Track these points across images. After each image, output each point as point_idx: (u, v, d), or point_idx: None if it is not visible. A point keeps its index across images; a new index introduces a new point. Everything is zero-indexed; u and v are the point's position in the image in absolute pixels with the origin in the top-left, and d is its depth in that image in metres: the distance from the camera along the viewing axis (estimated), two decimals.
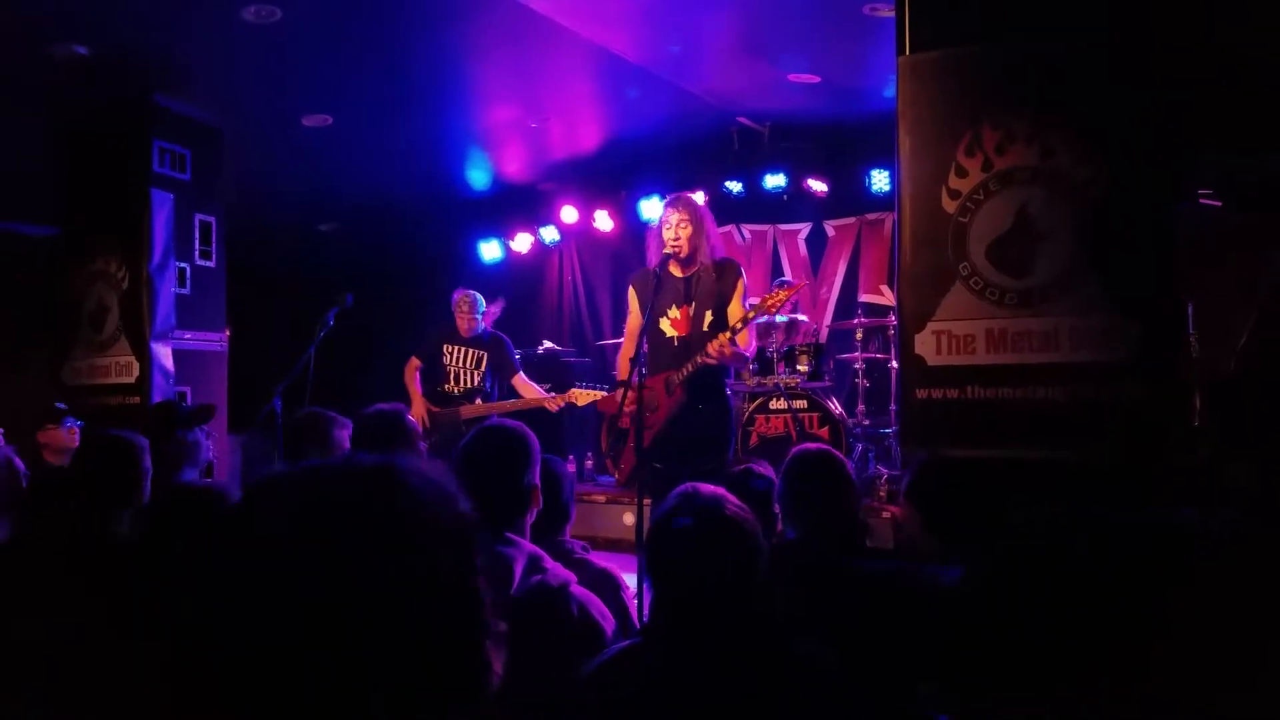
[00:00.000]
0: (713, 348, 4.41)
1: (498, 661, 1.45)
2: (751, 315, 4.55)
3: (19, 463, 3.49)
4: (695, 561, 1.99)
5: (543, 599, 2.33)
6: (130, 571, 2.36)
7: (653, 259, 4.68)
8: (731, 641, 1.94)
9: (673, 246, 4.58)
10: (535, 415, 8.23)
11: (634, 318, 4.86)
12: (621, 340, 7.51)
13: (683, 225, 4.57)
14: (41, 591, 2.48)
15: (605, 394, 5.81)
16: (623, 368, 4.91)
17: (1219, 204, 3.69)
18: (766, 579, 2.09)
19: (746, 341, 4.61)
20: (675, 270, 4.67)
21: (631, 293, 4.86)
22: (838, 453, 3.13)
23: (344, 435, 3.52)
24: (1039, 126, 3.58)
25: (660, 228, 4.67)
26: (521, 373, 6.76)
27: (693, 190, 7.17)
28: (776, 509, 3.07)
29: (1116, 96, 3.49)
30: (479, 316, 6.71)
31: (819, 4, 5.70)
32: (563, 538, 3.07)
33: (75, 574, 2.57)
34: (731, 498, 2.10)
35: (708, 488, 2.12)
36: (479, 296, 6.77)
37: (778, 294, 4.59)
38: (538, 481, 2.69)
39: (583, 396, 6.10)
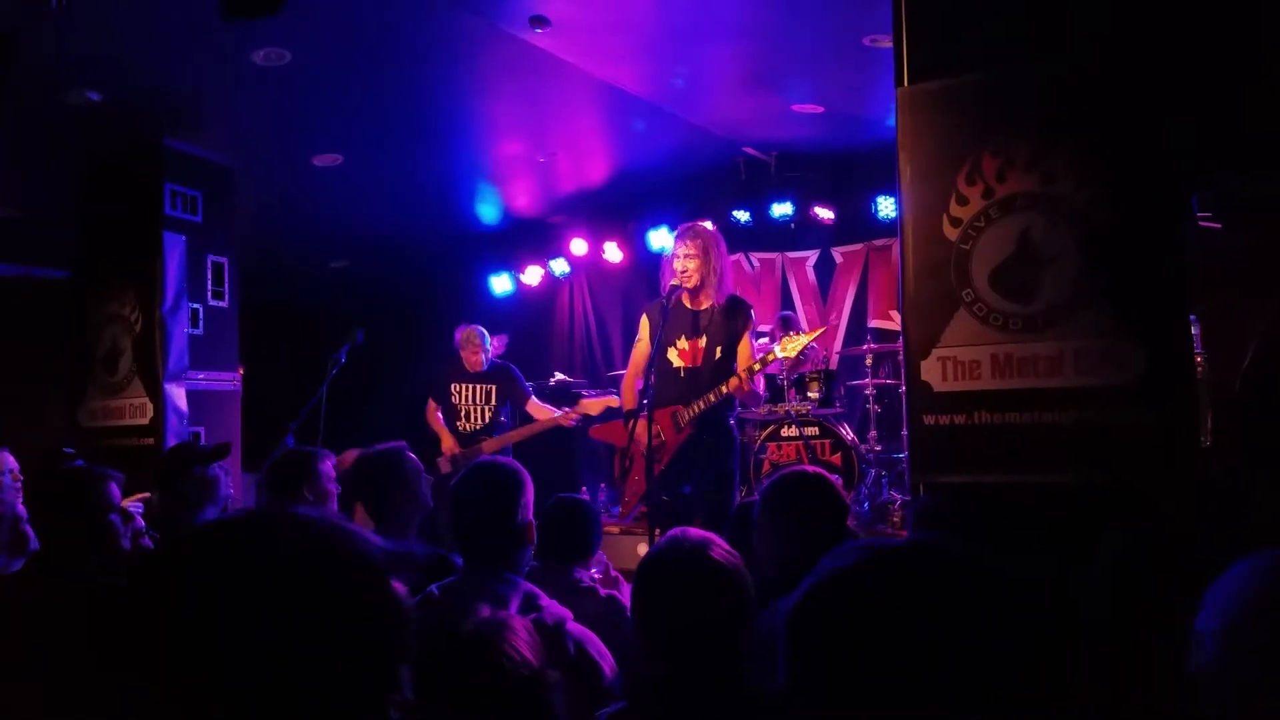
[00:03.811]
0: (733, 385, 4.46)
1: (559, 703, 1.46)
2: (770, 359, 4.60)
3: (22, 510, 3.50)
4: (681, 608, 1.97)
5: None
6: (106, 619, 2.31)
7: (665, 288, 4.72)
8: (719, 690, 1.91)
9: (681, 277, 4.62)
10: (548, 448, 8.26)
11: (641, 345, 4.89)
12: None
13: (690, 257, 4.61)
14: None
15: (616, 400, 5.86)
16: (627, 397, 4.94)
17: (1218, 226, 3.71)
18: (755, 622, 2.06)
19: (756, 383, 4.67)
20: (685, 302, 4.70)
21: (644, 321, 4.89)
22: (825, 474, 2.96)
23: (328, 466, 3.54)
24: (1039, 153, 3.59)
25: (672, 257, 4.72)
26: (534, 397, 6.76)
27: (700, 220, 7.22)
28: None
29: (1116, 121, 3.50)
30: (486, 349, 6.72)
31: (820, 36, 5.76)
32: (575, 569, 3.09)
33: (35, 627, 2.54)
34: (720, 542, 2.07)
35: (696, 532, 2.10)
36: (483, 331, 6.77)
37: (797, 338, 4.63)
38: (531, 517, 2.70)
39: (594, 405, 6.17)
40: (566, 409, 6.53)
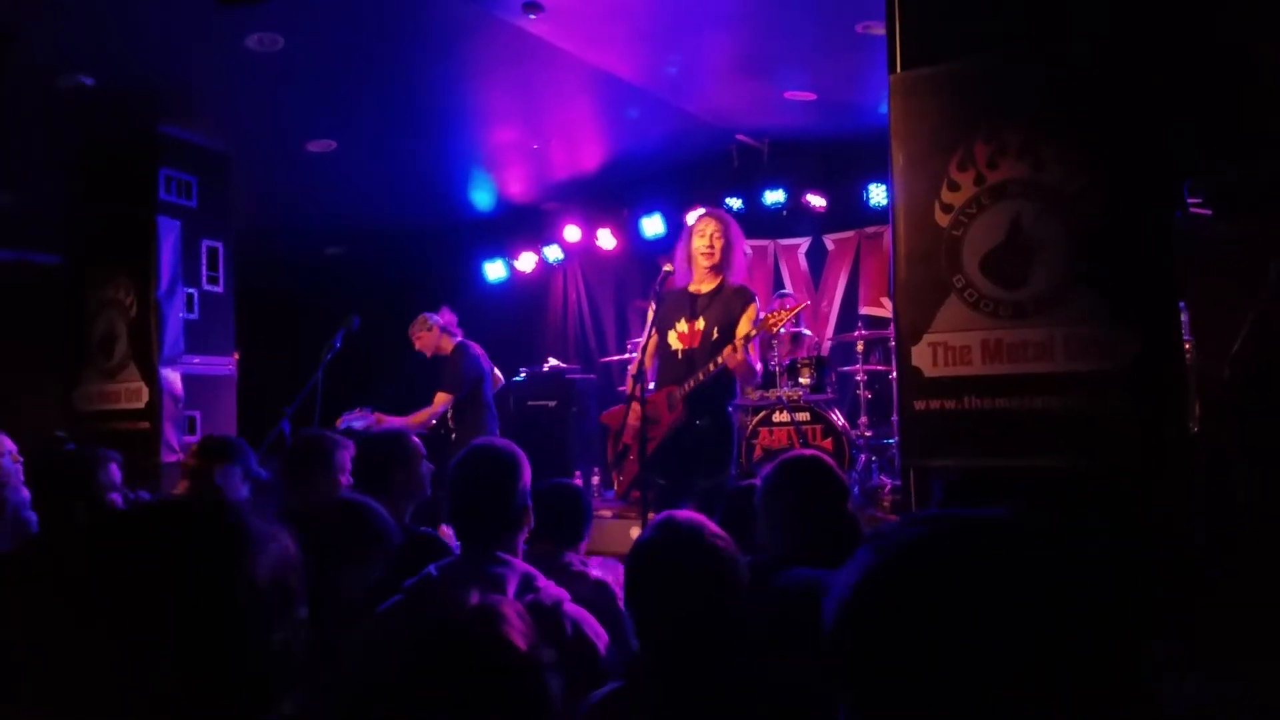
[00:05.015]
0: (726, 354, 4.45)
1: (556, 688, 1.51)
2: (754, 332, 4.60)
3: (25, 493, 3.51)
4: (673, 592, 1.98)
5: (536, 618, 2.36)
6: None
7: (679, 267, 4.73)
8: (713, 674, 1.93)
9: (706, 254, 4.64)
10: (544, 433, 8.30)
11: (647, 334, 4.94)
12: (627, 356, 7.61)
13: (717, 236, 4.65)
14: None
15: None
16: (630, 382, 4.98)
17: (1208, 212, 3.73)
18: (748, 604, 2.08)
19: (751, 356, 4.67)
20: (690, 287, 4.74)
21: (650, 310, 4.93)
22: (824, 457, 2.99)
23: (345, 456, 3.50)
24: (1030, 140, 3.61)
25: (690, 236, 4.72)
26: (443, 394, 6.47)
27: (693, 207, 7.24)
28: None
29: (1107, 109, 3.52)
30: (430, 329, 6.62)
31: (813, 23, 5.78)
32: (566, 554, 3.12)
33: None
34: (710, 524, 2.09)
35: (686, 515, 2.11)
36: (423, 316, 6.72)
37: (780, 313, 4.63)
38: (529, 500, 2.73)
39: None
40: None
